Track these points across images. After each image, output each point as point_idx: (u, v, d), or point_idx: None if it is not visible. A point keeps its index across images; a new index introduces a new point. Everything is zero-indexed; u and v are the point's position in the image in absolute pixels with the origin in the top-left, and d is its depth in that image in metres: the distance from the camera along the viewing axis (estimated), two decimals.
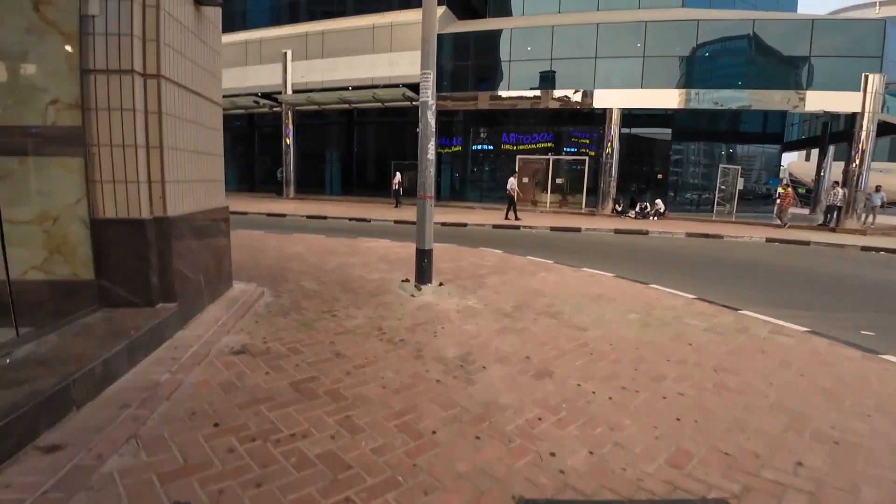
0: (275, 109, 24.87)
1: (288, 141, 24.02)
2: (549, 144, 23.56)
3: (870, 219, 19.20)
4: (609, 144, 20.11)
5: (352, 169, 26.31)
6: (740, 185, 21.49)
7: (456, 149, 24.36)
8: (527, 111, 22.77)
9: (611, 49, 20.26)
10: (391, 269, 7.32)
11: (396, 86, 20.94)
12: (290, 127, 24.04)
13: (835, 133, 25.21)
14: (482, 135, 24.74)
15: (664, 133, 24.58)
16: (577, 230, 15.17)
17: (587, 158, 22.20)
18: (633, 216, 20.15)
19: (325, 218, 16.21)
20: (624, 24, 20.49)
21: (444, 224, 14.87)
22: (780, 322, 5.38)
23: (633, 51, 20.16)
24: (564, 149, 23.67)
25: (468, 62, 22.47)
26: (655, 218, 19.91)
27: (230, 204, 5.77)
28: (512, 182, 17.44)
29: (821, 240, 14.47)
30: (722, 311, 5.77)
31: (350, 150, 26.00)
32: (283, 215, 16.80)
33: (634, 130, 23.48)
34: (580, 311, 5.48)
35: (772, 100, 18.72)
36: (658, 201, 20.74)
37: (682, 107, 19.50)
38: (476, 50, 22.47)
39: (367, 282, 6.47)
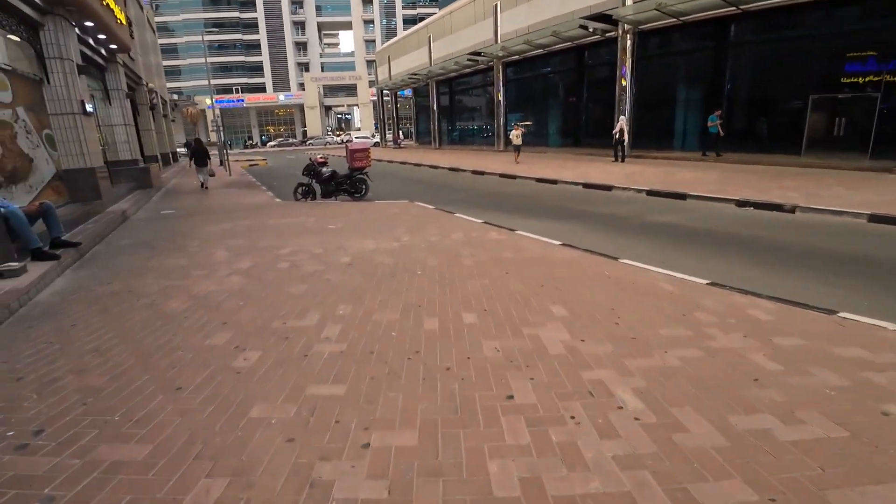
0: (608, 35, 17.26)
1: (624, 82, 16.22)
2: None
3: None
4: None
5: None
6: None
7: None
8: None
9: None
10: None
11: None
12: (628, 62, 16.06)
13: None
14: None
15: None
16: None
17: None
18: None
19: (683, 197, 8.47)
20: None
21: None
22: None
23: None
24: None
25: None
26: None
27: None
28: None
29: None
30: None
31: (718, 86, 15.84)
32: (609, 187, 9.87)
33: None
34: None
35: None
36: None
37: None
38: None
39: None
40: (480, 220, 7.12)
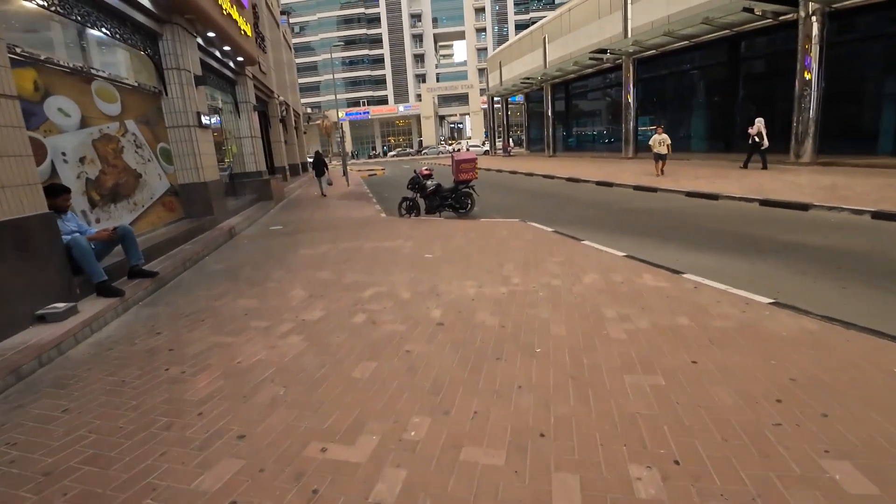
0: (782, 19, 13.63)
1: (808, 75, 12.51)
2: None
3: None
4: None
5: None
6: None
7: None
8: None
9: None
10: None
11: None
12: (814, 50, 12.33)
13: None
14: None
15: None
16: None
17: None
18: None
19: None
20: None
21: None
22: None
23: None
24: None
25: None
26: None
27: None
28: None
29: None
30: None
31: None
32: (805, 206, 7.13)
33: None
34: None
35: None
36: None
37: None
38: None
39: None
40: (622, 254, 5.23)
